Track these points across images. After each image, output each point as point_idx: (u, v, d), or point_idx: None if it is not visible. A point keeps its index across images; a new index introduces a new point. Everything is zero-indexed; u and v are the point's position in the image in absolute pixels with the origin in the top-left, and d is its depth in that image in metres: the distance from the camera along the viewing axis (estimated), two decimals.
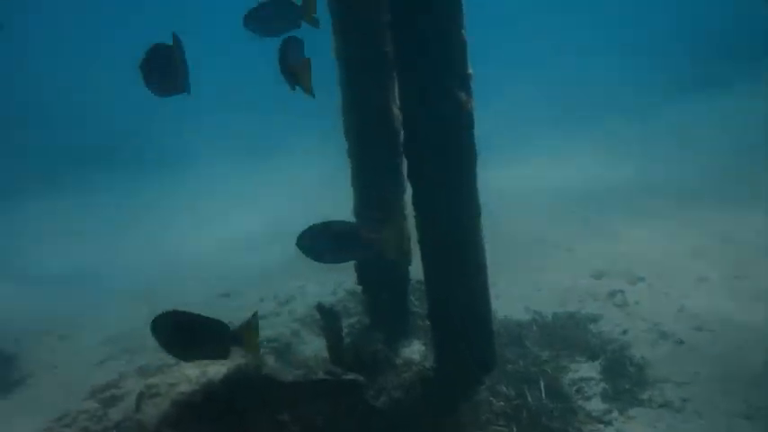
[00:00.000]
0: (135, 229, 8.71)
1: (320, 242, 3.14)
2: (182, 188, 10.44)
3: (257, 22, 3.31)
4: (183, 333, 2.76)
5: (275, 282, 6.17)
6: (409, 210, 4.48)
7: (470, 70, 3.46)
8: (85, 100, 15.14)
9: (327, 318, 4.18)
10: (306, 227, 3.16)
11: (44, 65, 18.04)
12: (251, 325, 2.76)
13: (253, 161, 11.32)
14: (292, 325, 5.37)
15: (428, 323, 4.03)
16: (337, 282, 5.73)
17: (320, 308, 4.24)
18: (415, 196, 3.75)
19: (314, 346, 4.86)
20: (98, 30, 21.07)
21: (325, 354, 4.28)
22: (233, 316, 5.88)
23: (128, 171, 11.17)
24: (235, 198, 9.46)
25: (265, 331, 5.36)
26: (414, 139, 3.63)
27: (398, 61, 3.50)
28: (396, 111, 4.44)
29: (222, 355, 2.79)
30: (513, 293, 5.16)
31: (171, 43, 2.95)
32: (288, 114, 12.92)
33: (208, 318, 2.74)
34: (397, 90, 4.37)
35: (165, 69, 2.86)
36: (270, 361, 4.84)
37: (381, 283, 4.63)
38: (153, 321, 2.79)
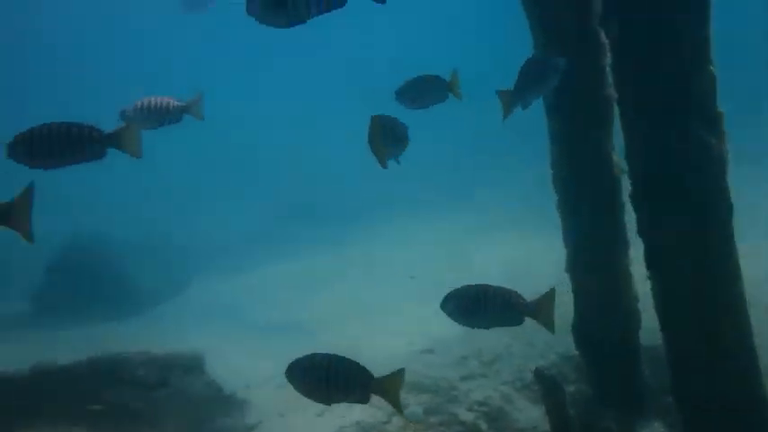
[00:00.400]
0: (340, 281, 9.30)
1: (466, 305, 2.98)
2: (380, 240, 10.95)
3: (407, 96, 3.64)
4: (322, 376, 2.76)
5: (480, 339, 5.99)
6: (635, 268, 4.04)
7: (720, 109, 3.02)
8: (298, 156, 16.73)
9: (549, 387, 3.86)
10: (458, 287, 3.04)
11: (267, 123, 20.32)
12: (396, 380, 2.78)
13: (451, 211, 11.47)
14: (501, 388, 5.10)
15: (671, 401, 3.49)
16: (548, 343, 5.35)
17: (539, 375, 3.94)
18: (649, 255, 3.33)
19: (530, 415, 4.53)
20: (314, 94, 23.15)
21: (545, 425, 3.95)
22: (436, 374, 5.90)
23: (330, 225, 12.15)
24: (434, 249, 9.59)
25: (473, 393, 5.19)
26: (648, 191, 3.25)
27: (627, 104, 3.20)
28: (615, 158, 4.10)
29: (363, 400, 2.80)
30: None
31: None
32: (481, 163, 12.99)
33: (349, 362, 2.76)
34: (611, 135, 4.08)
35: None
36: (483, 427, 4.64)
37: (605, 348, 4.18)
38: (289, 367, 2.80)
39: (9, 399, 4.92)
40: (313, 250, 11.17)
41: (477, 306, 2.97)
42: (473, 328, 3.13)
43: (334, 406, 5.44)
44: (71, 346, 6.86)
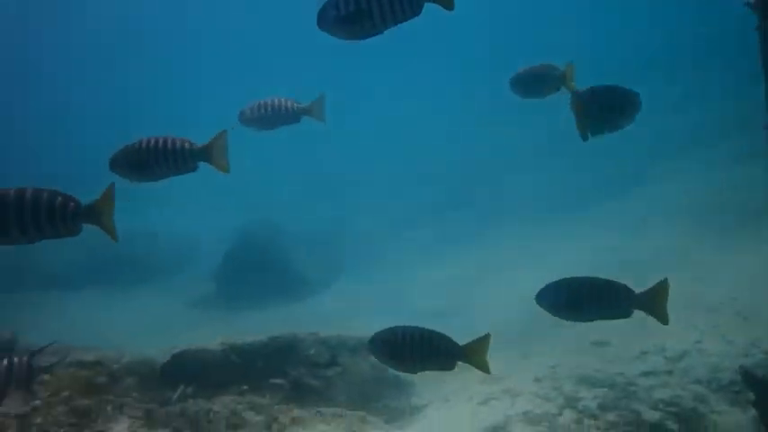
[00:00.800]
0: (501, 272, 9.09)
1: (563, 299, 2.89)
2: (539, 234, 10.47)
3: (521, 86, 3.65)
4: (405, 347, 2.81)
5: (662, 333, 5.40)
6: None
7: None
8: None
9: (762, 389, 3.36)
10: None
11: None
12: (482, 345, 2.84)
13: (617, 203, 10.64)
14: (692, 387, 4.54)
15: None
16: (750, 339, 4.66)
17: (749, 375, 3.44)
18: None
19: (733, 419, 3.95)
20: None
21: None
22: (611, 368, 5.46)
23: (485, 218, 11.90)
24: (604, 243, 8.90)
25: (657, 391, 4.70)
26: None
27: None
28: None
29: (449, 367, 2.86)
30: None
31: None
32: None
33: (432, 331, 2.80)
34: None
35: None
36: (673, 428, 4.19)
37: None
38: (371, 339, 2.85)
39: (207, 370, 5.55)
40: (469, 243, 11.04)
41: (575, 299, 2.85)
42: (574, 321, 3.00)
43: (502, 396, 5.35)
44: (251, 325, 7.57)
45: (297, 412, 4.79)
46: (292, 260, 10.89)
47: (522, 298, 8.18)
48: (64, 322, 7.65)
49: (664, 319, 2.85)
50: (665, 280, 2.81)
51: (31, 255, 10.40)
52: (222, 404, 4.74)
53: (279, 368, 5.83)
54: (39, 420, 4.16)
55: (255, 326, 7.26)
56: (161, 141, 2.88)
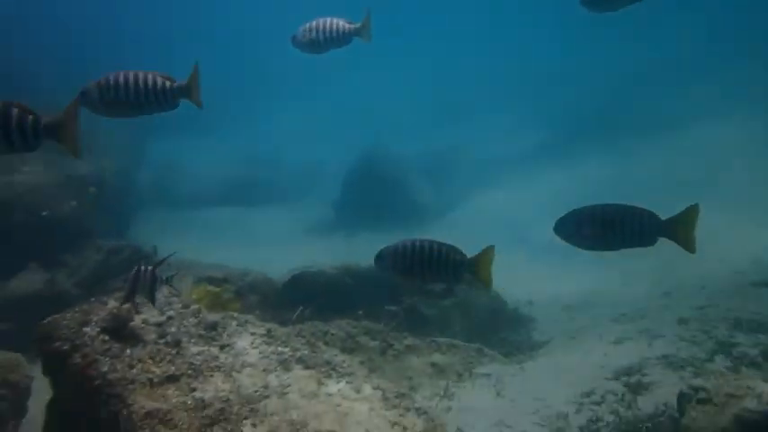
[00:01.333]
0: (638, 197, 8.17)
1: (585, 228, 2.71)
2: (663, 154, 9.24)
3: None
4: (414, 259, 2.74)
5: None
6: None
7: None
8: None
9: None
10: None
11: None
12: (487, 257, 2.73)
13: None
14: None
15: None
16: None
17: None
18: None
19: None
20: None
21: None
22: None
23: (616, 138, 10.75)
24: None
25: None
26: None
27: None
28: None
29: (457, 279, 2.80)
30: None
31: None
32: None
33: (440, 243, 2.74)
34: None
35: None
36: None
37: None
38: (378, 253, 2.79)
39: (324, 292, 5.62)
40: (598, 164, 10.10)
41: (596, 228, 2.68)
42: (595, 251, 2.81)
43: (638, 337, 4.81)
44: (368, 251, 7.53)
45: (411, 340, 4.67)
46: (411, 189, 10.75)
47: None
48: (190, 239, 8.20)
49: (691, 247, 2.63)
50: (696, 205, 2.61)
51: (165, 178, 11.28)
52: (338, 327, 4.74)
53: (394, 295, 5.76)
54: (173, 330, 4.43)
55: (372, 252, 7.23)
56: (138, 77, 2.66)
